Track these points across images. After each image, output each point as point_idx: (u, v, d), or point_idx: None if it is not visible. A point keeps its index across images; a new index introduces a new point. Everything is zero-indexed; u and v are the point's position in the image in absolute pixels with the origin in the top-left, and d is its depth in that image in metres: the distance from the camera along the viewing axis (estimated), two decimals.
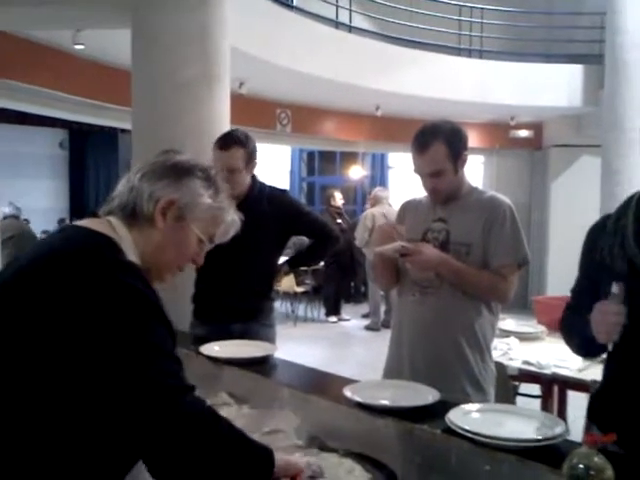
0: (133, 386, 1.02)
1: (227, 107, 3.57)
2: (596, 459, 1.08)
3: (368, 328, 7.97)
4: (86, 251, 1.11)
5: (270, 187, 2.79)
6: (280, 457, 1.17)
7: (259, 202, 2.66)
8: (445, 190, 2.15)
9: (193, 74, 3.38)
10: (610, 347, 1.44)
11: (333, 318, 8.53)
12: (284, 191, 2.86)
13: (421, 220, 2.23)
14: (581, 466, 1.08)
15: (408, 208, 2.36)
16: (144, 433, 1.02)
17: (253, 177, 2.71)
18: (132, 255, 1.18)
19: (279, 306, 9.05)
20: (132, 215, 1.22)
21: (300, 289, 8.33)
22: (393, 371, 2.24)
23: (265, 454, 1.14)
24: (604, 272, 1.49)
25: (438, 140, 2.08)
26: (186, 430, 1.03)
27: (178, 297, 2.73)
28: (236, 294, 2.65)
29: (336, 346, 7.27)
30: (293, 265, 2.94)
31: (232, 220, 1.32)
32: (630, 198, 1.54)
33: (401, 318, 2.28)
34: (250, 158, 2.63)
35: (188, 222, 1.25)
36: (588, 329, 1.47)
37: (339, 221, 8.68)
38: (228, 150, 2.57)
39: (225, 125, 3.42)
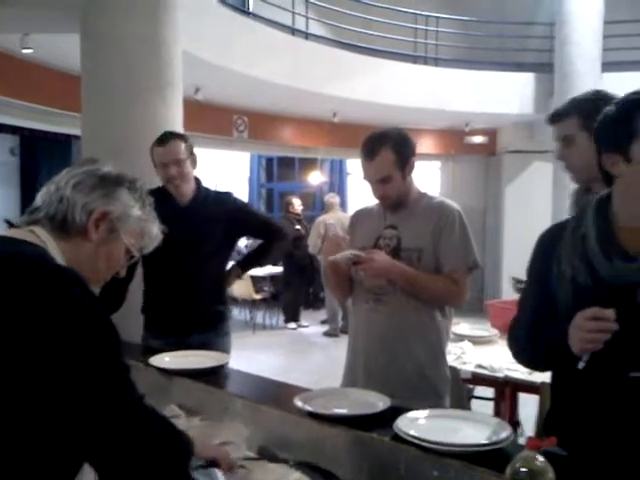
0: (92, 401, 1.01)
1: (180, 114, 3.53)
2: (538, 462, 1.09)
3: (327, 334, 7.98)
4: (24, 260, 1.07)
5: (215, 191, 2.81)
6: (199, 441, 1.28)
7: (205, 205, 2.66)
8: (394, 196, 2.17)
9: (144, 81, 3.33)
10: (586, 358, 1.33)
11: (292, 325, 8.51)
12: (229, 193, 2.84)
13: (373, 227, 2.25)
14: (523, 470, 1.09)
15: (359, 217, 2.38)
16: (102, 444, 1.03)
17: (197, 181, 2.71)
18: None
19: (237, 313, 8.97)
20: (62, 226, 1.20)
21: (258, 296, 8.29)
22: (350, 379, 2.25)
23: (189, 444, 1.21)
24: (564, 285, 1.45)
25: (386, 147, 2.11)
26: (142, 440, 1.06)
27: (127, 308, 2.68)
28: (190, 300, 2.62)
29: (295, 353, 7.25)
30: (244, 267, 2.92)
31: (156, 234, 1.33)
32: (585, 207, 1.49)
33: (356, 326, 2.29)
34: (191, 152, 2.64)
35: (120, 234, 1.25)
36: (557, 341, 1.40)
37: (298, 227, 8.69)
38: (168, 143, 2.59)
39: (178, 130, 3.37)
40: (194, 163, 2.66)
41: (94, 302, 1.08)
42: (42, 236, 1.17)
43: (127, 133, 3.26)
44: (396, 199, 2.19)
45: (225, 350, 2.56)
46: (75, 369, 1.01)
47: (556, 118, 1.95)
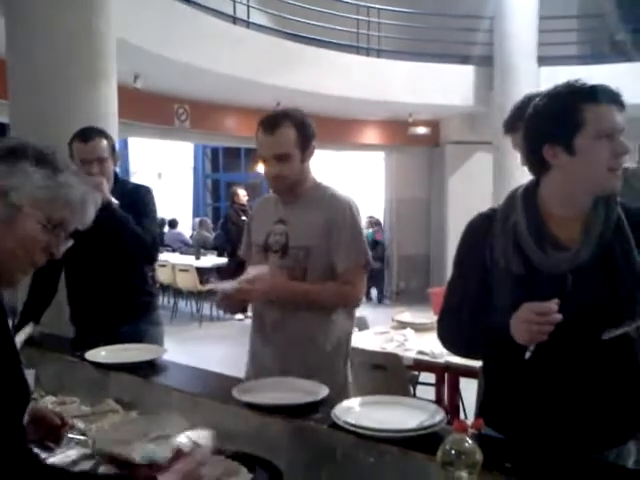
0: None
1: (114, 103, 3.43)
2: (466, 444, 1.12)
3: None
4: None
5: (133, 183, 2.78)
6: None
7: (120, 199, 2.54)
8: (289, 178, 2.05)
9: (75, 68, 3.20)
10: (532, 348, 1.36)
11: (239, 316, 8.45)
12: (140, 187, 2.73)
13: (265, 221, 2.15)
14: (453, 451, 1.12)
15: (257, 208, 2.31)
16: None
17: (115, 175, 2.63)
18: None
19: (184, 306, 8.86)
20: None
21: (205, 288, 8.19)
22: (251, 372, 2.22)
23: None
24: (497, 274, 1.46)
25: (288, 123, 2.01)
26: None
27: (61, 300, 2.61)
28: (111, 295, 2.55)
29: (243, 344, 7.07)
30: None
31: (82, 198, 1.17)
32: (513, 196, 1.51)
33: (252, 324, 2.27)
34: (113, 149, 2.57)
35: (21, 207, 1.11)
36: (497, 332, 1.41)
37: (244, 218, 8.63)
38: (92, 140, 2.48)
39: (112, 121, 3.28)
40: (115, 161, 2.59)
41: None
42: None
43: (58, 122, 3.12)
44: (291, 184, 2.06)
45: (157, 340, 2.53)
46: None
47: (512, 128, 2.01)
